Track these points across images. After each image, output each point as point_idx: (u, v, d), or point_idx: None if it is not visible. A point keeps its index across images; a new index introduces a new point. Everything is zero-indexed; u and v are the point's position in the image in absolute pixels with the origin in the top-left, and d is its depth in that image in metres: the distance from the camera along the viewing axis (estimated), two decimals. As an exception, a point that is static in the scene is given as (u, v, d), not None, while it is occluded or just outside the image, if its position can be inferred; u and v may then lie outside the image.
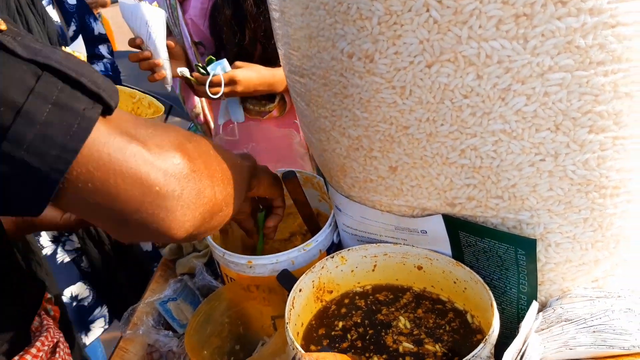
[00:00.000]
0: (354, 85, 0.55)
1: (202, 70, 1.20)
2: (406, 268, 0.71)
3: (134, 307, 0.87)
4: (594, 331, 0.55)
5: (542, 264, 0.59)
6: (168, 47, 1.22)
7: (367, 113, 0.57)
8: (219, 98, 1.19)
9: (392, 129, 0.56)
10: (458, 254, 0.65)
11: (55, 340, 0.69)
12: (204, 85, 1.16)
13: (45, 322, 0.70)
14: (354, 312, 0.69)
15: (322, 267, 0.70)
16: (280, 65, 0.81)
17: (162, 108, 1.33)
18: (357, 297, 0.72)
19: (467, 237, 0.62)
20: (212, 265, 0.97)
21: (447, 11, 0.46)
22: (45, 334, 0.68)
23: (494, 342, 0.56)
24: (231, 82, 1.18)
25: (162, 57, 1.20)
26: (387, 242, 0.71)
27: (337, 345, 0.65)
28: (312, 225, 0.88)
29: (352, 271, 0.72)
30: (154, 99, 1.36)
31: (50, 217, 0.83)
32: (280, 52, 0.66)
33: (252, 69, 1.21)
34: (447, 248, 0.65)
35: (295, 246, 0.79)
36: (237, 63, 1.21)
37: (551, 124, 0.50)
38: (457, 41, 0.47)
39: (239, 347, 0.85)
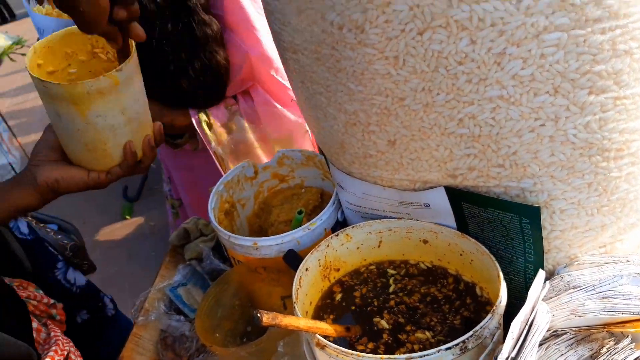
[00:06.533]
0: (346, 58, 0.54)
1: None
2: (412, 242, 0.70)
3: (145, 294, 0.87)
4: (602, 297, 0.54)
5: (547, 232, 0.58)
6: None
7: (362, 86, 0.56)
8: None
9: (387, 102, 0.55)
10: (462, 226, 0.64)
11: (65, 352, 0.67)
12: None
13: (52, 332, 0.69)
14: (361, 289, 0.69)
15: (328, 246, 0.70)
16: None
17: None
18: (364, 274, 0.71)
19: (470, 208, 0.61)
20: (219, 249, 0.97)
21: (435, -25, 0.45)
22: (54, 347, 0.66)
23: (502, 313, 0.56)
24: None
25: None
26: (390, 217, 0.70)
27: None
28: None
29: (358, 248, 0.72)
30: None
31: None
32: (272, 30, 0.64)
33: None
34: (451, 220, 0.64)
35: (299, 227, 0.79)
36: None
37: (549, 87, 0.48)
38: (448, 5, 0.46)
39: (251, 329, 0.85)
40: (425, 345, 0.59)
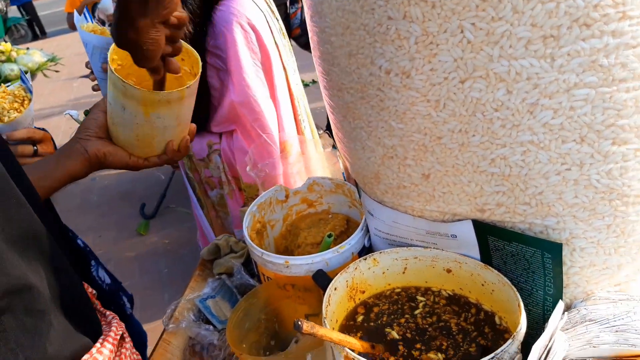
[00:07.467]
0: (390, 99, 0.60)
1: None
2: (435, 271, 0.74)
3: (176, 303, 0.92)
4: (616, 330, 0.58)
5: (567, 268, 0.63)
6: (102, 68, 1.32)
7: (403, 124, 0.61)
8: None
9: (426, 139, 0.61)
10: (486, 258, 0.69)
11: (121, 331, 0.72)
12: None
13: (107, 312, 0.74)
14: (384, 312, 0.73)
15: (356, 268, 0.74)
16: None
17: None
18: (387, 298, 0.75)
19: (495, 241, 0.65)
20: (249, 265, 1.02)
21: (480, 32, 0.51)
22: (114, 323, 0.71)
23: (522, 339, 0.60)
24: None
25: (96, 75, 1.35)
26: (417, 245, 0.75)
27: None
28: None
29: (384, 273, 0.76)
30: None
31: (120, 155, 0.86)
32: (319, 68, 0.70)
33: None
34: (475, 252, 0.69)
35: (329, 249, 0.84)
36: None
37: (577, 136, 0.53)
38: (489, 59, 0.52)
39: (274, 343, 0.90)
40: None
